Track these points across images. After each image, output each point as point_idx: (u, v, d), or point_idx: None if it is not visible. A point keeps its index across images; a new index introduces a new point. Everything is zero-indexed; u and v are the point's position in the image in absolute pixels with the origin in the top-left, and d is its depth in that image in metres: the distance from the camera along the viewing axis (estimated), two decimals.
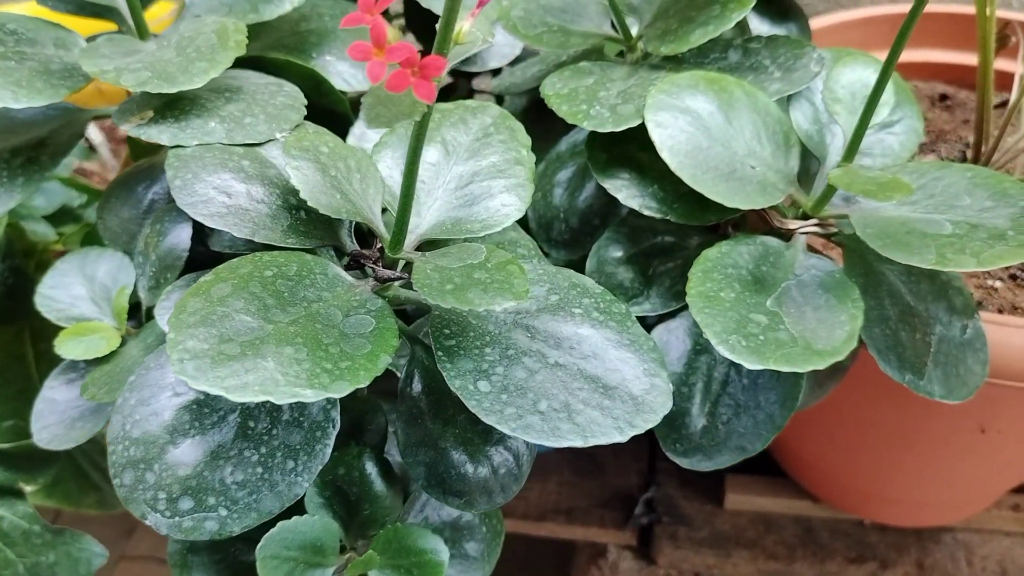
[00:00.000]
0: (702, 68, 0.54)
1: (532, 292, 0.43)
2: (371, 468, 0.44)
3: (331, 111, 0.56)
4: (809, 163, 0.51)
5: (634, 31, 0.56)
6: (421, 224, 0.43)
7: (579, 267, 0.53)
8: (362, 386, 0.35)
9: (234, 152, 0.42)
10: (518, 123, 0.46)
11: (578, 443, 0.38)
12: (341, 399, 0.47)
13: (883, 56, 0.81)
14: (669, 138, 0.46)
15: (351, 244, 0.43)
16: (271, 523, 0.41)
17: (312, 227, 0.41)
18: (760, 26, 0.71)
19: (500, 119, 0.46)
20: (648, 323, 0.51)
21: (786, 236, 0.49)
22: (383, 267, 0.41)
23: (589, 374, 0.40)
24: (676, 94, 0.47)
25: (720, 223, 0.51)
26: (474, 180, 0.44)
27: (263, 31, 0.57)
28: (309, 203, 0.39)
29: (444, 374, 0.39)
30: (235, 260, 0.38)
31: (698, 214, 0.47)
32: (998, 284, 0.65)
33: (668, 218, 0.48)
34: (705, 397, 0.49)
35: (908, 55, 0.82)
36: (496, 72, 0.69)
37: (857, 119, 0.45)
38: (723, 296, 0.44)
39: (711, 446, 0.49)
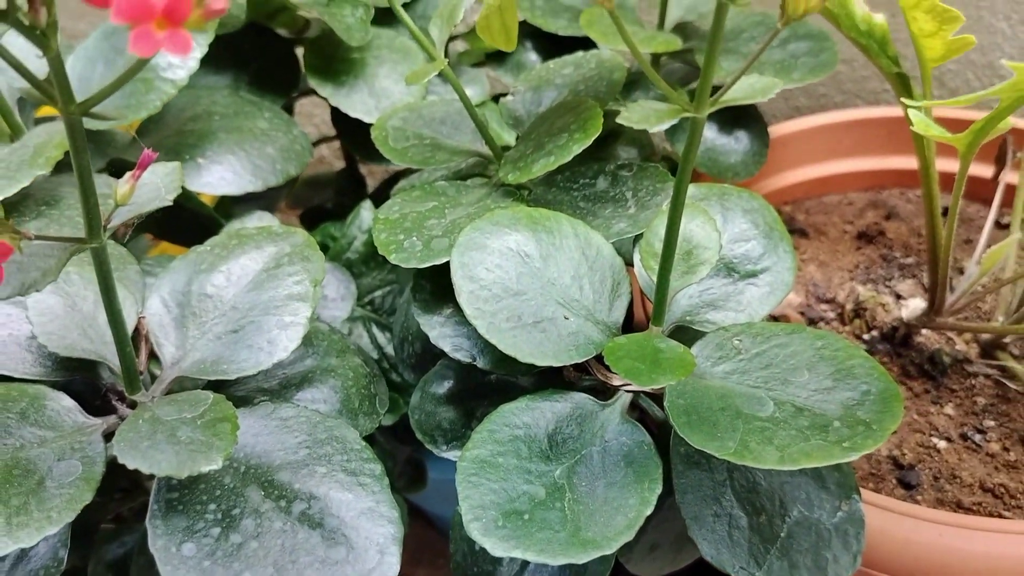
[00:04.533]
0: (568, 193, 0.50)
1: (284, 442, 0.40)
2: None
3: (196, 214, 0.56)
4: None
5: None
6: (184, 360, 0.41)
7: None
8: (26, 546, 0.34)
9: None
10: (318, 253, 0.44)
11: None
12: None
13: (858, 163, 0.74)
14: (470, 281, 0.43)
15: (109, 378, 0.42)
16: None
17: (66, 359, 0.41)
18: (706, 132, 0.66)
19: (300, 248, 0.44)
20: None
21: (611, 392, 0.44)
22: (127, 405, 0.40)
23: (312, 544, 0.37)
24: (491, 232, 0.44)
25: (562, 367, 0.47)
26: (248, 315, 0.42)
27: (153, 128, 0.57)
28: (40, 339, 0.38)
29: (150, 532, 0.37)
30: None
31: (508, 363, 0.43)
32: (943, 444, 0.57)
33: (476, 364, 0.44)
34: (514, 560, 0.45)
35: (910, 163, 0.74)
36: None
37: (674, 277, 0.40)
38: (501, 462, 0.40)
39: None
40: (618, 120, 0.31)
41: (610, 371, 0.45)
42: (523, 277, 0.43)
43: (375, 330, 0.64)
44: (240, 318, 0.42)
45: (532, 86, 0.55)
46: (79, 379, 0.41)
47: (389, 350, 0.63)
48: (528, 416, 0.42)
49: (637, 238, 0.46)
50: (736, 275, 0.46)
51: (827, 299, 0.66)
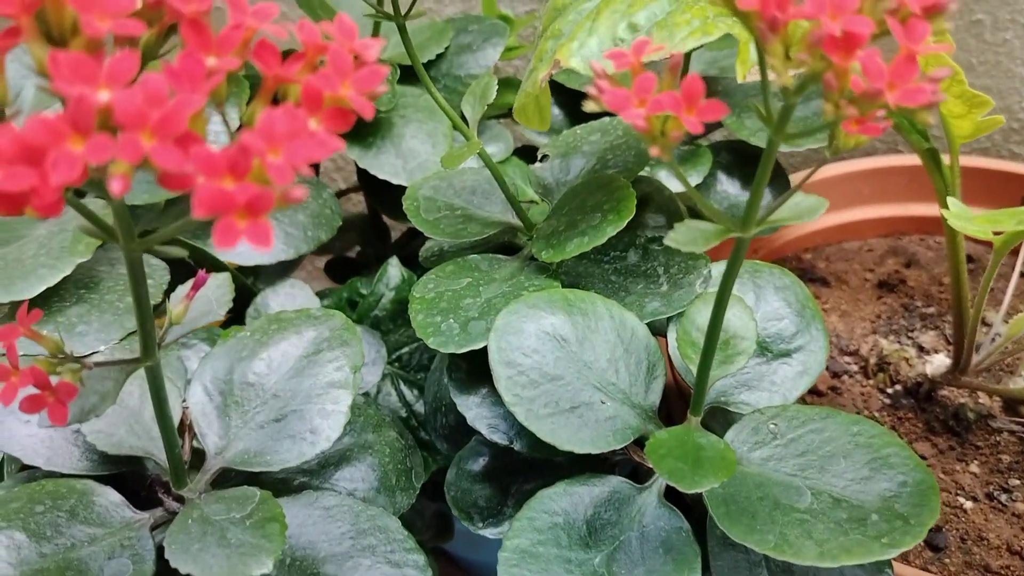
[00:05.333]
0: (599, 266, 0.51)
1: (328, 532, 0.41)
2: None
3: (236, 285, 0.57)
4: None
5: (544, 214, 0.53)
6: (227, 450, 0.42)
7: None
8: None
9: None
10: (356, 337, 0.45)
11: None
12: None
13: (878, 210, 0.75)
14: (508, 367, 0.43)
15: (154, 469, 0.42)
16: None
17: (105, 451, 0.41)
18: (728, 188, 0.66)
19: (339, 331, 0.45)
20: None
21: (647, 474, 0.45)
22: (173, 498, 0.41)
23: None
24: (527, 315, 0.44)
25: None
26: (290, 403, 0.43)
27: (184, 197, 0.58)
28: (88, 438, 0.39)
29: None
30: (13, 491, 0.38)
31: (545, 448, 0.44)
32: (969, 504, 0.57)
33: (513, 447, 0.45)
34: None
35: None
36: None
37: (710, 367, 0.41)
38: (542, 552, 0.41)
39: None
40: (665, 242, 0.31)
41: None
42: (560, 362, 0.44)
43: (403, 387, 0.64)
44: (282, 406, 0.43)
45: (560, 153, 0.56)
46: (124, 471, 0.42)
47: (418, 407, 0.63)
48: (566, 502, 0.43)
49: (672, 316, 0.47)
50: (769, 354, 0.46)
51: (851, 351, 0.67)
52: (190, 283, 0.35)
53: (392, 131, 0.63)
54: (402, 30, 0.46)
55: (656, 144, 0.27)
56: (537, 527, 0.42)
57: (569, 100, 0.69)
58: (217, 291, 0.35)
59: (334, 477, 0.46)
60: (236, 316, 0.59)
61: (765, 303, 0.47)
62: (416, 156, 0.63)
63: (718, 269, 0.47)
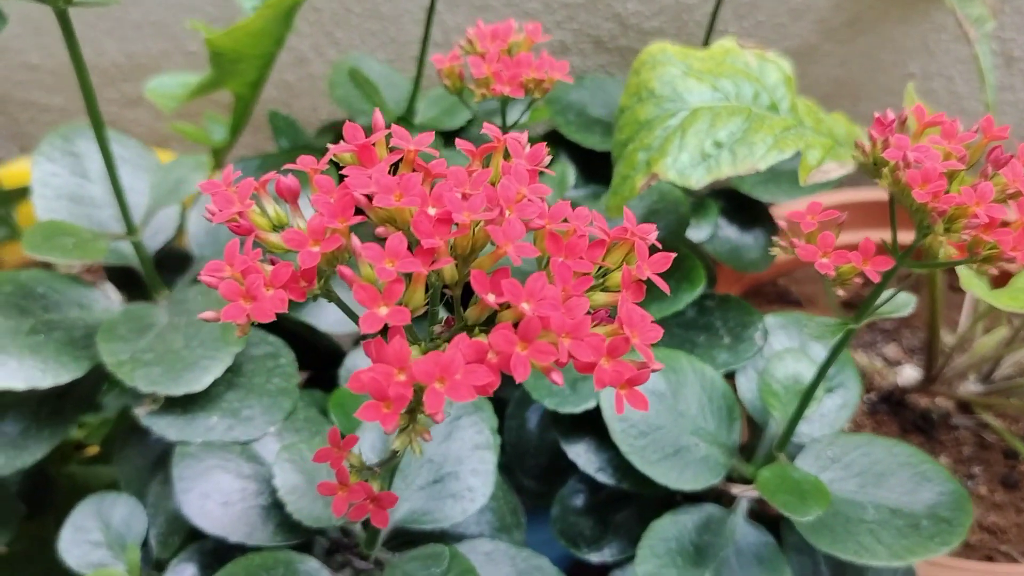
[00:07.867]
0: (663, 321, 0.60)
1: (491, 573, 0.48)
2: None
3: (326, 347, 0.62)
4: (755, 427, 0.57)
5: None
6: (397, 512, 0.49)
7: (549, 496, 0.59)
8: None
9: (232, 451, 0.48)
10: (487, 403, 0.52)
11: None
12: None
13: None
14: (620, 421, 0.52)
15: (335, 533, 0.49)
16: None
17: (301, 523, 0.47)
18: (729, 232, 0.76)
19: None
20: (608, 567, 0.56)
21: (730, 500, 0.54)
22: (359, 558, 0.47)
23: None
24: None
25: None
26: (444, 466, 0.50)
27: None
28: (293, 515, 0.45)
29: None
30: (230, 566, 0.44)
31: (651, 486, 0.52)
32: None
33: (623, 486, 0.54)
34: None
35: None
36: None
37: (791, 411, 0.50)
38: (664, 574, 0.50)
39: None
40: (805, 333, 0.40)
41: (730, 481, 0.55)
42: (660, 414, 0.53)
43: None
44: (438, 469, 0.49)
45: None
46: (311, 538, 0.48)
47: None
48: (674, 529, 0.52)
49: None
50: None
51: None
52: None
53: None
54: None
55: (840, 286, 0.36)
56: (656, 553, 0.50)
57: (583, 158, 0.78)
58: None
59: (465, 522, 0.53)
60: (319, 375, 0.64)
61: (812, 349, 0.57)
62: None
63: (771, 321, 0.57)
